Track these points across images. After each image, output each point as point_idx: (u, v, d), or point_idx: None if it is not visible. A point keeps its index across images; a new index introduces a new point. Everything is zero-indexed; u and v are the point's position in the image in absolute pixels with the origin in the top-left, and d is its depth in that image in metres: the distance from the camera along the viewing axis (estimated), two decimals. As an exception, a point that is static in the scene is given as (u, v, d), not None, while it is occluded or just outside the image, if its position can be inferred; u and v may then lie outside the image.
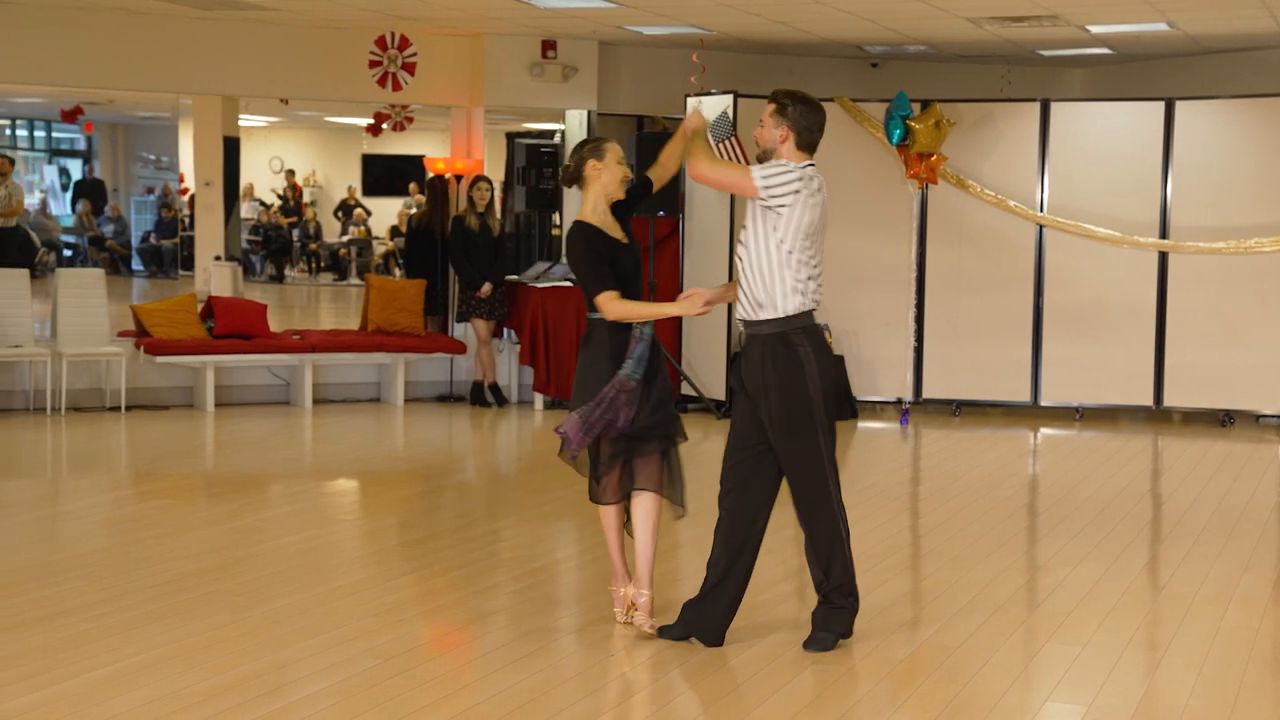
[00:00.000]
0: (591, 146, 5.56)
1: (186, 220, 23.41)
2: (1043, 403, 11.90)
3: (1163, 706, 4.90)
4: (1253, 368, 11.41)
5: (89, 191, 25.03)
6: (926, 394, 12.06)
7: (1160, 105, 11.61)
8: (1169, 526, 7.89)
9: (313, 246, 25.09)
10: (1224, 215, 11.41)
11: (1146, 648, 5.59)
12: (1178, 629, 5.77)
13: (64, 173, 27.08)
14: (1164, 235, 11.57)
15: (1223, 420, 11.55)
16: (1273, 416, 11.52)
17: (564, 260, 12.50)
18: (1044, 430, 11.40)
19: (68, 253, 23.55)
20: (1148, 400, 11.69)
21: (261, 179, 26.63)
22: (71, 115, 20.87)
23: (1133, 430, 11.46)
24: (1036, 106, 11.83)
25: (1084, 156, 11.79)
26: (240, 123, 20.44)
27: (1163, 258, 11.61)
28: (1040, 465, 10.35)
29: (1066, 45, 12.57)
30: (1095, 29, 11.53)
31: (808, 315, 5.28)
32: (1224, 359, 11.46)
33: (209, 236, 18.98)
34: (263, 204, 25.30)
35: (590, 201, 5.52)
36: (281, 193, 25.54)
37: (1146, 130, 11.62)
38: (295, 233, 24.95)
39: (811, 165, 5.32)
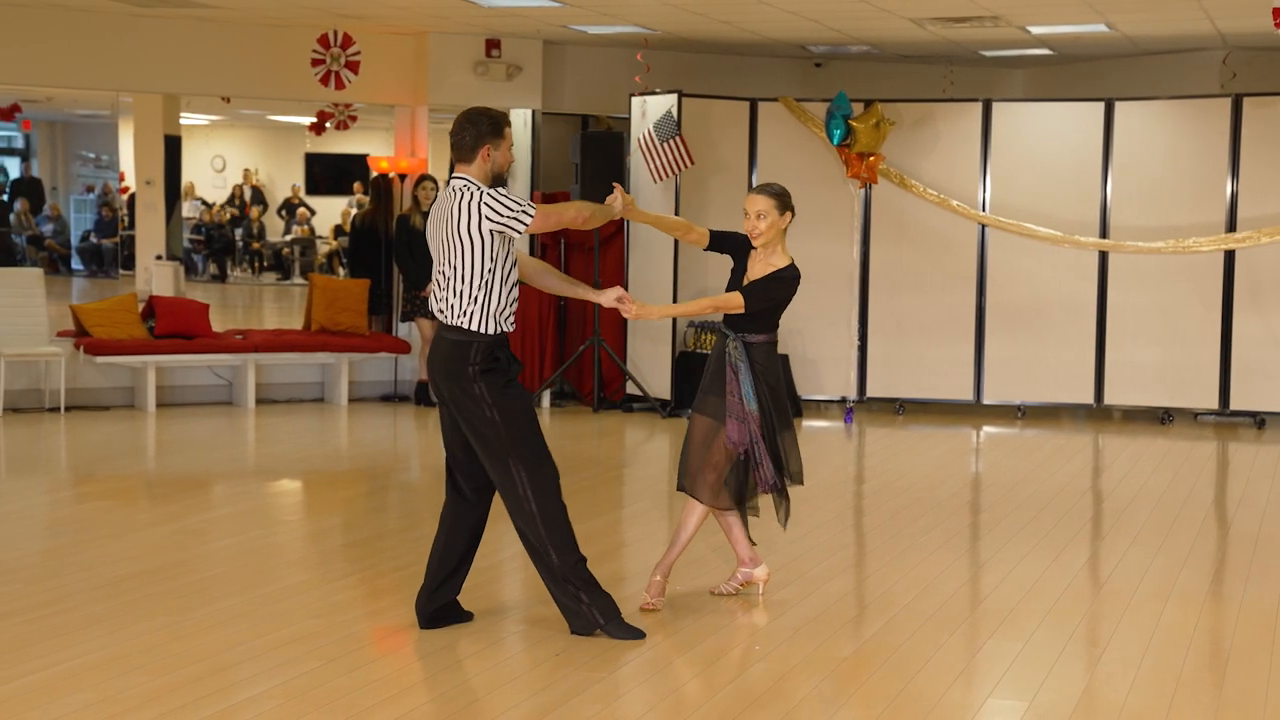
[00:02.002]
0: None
1: (127, 219, 23.16)
2: (985, 401, 12.00)
3: (1102, 702, 4.95)
4: (1191, 366, 11.56)
5: (27, 190, 24.70)
6: (870, 392, 12.13)
7: (1100, 106, 11.73)
8: (1109, 523, 7.98)
9: (256, 246, 24.90)
10: (1162, 215, 11.55)
11: (1087, 644, 5.65)
12: (1117, 625, 5.84)
13: (1, 171, 26.72)
14: (1104, 235, 11.70)
15: (1162, 418, 11.69)
16: (1210, 414, 11.67)
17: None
18: (986, 428, 11.50)
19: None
20: (1088, 398, 11.81)
21: (203, 177, 26.39)
22: (9, 113, 20.58)
23: (1074, 428, 11.58)
24: (979, 106, 11.93)
25: (1025, 156, 11.90)
26: (181, 121, 20.22)
27: (1103, 257, 11.74)
28: (983, 463, 10.43)
29: (1008, 46, 12.69)
30: (1036, 30, 11.64)
31: None
32: (1163, 357, 11.61)
33: (150, 235, 18.77)
34: (204, 203, 25.09)
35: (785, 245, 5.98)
36: (237, 192, 25.31)
37: (1086, 130, 11.74)
38: (238, 232, 24.77)
39: (452, 178, 5.47)
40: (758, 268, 5.91)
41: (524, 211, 5.29)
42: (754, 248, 5.92)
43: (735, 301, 5.82)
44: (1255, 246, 11.29)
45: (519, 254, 5.56)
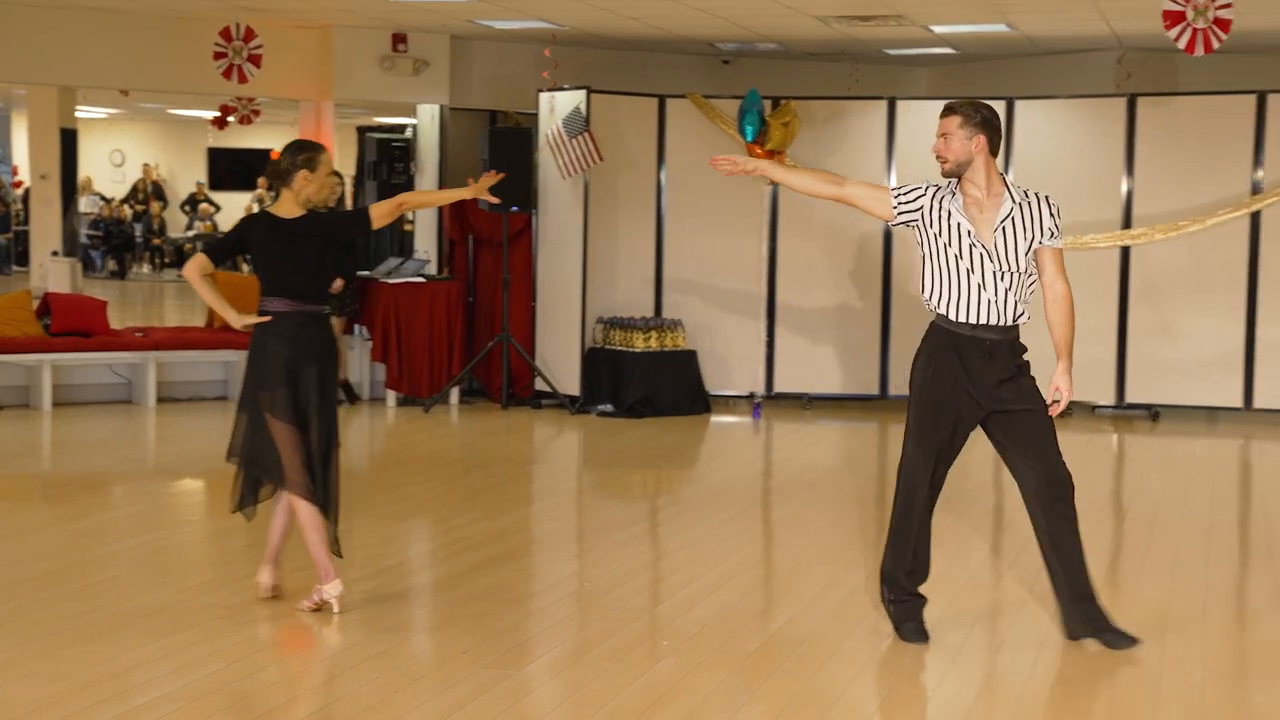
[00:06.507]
0: (306, 157, 5.79)
1: (21, 214, 22.75)
2: (891, 394, 12.13)
3: (1003, 692, 5.04)
4: (1088, 361, 11.75)
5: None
6: (778, 388, 12.21)
7: (1001, 104, 11.90)
8: (1010, 515, 8.10)
9: (156, 241, 24.51)
10: (1061, 212, 11.73)
11: (987, 634, 5.73)
12: (1017, 615, 5.93)
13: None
14: (1005, 232, 11.86)
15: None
16: (1108, 407, 11.90)
17: (416, 255, 12.40)
18: (892, 424, 11.62)
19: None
20: (990, 392, 11.97)
21: (101, 172, 25.94)
22: (-102, 105, 20.07)
23: (976, 422, 11.73)
24: (884, 105, 12.06)
25: (929, 154, 11.88)
26: (78, 114, 19.87)
27: (1004, 253, 11.90)
28: (888, 457, 10.54)
29: (911, 45, 12.84)
30: (938, 29, 11.80)
31: None
32: (1062, 352, 11.80)
33: (45, 231, 18.45)
34: (103, 198, 24.66)
35: (285, 203, 5.79)
36: (140, 187, 24.89)
37: (988, 129, 11.89)
38: (138, 227, 24.37)
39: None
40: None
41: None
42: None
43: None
44: (1149, 243, 11.53)
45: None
